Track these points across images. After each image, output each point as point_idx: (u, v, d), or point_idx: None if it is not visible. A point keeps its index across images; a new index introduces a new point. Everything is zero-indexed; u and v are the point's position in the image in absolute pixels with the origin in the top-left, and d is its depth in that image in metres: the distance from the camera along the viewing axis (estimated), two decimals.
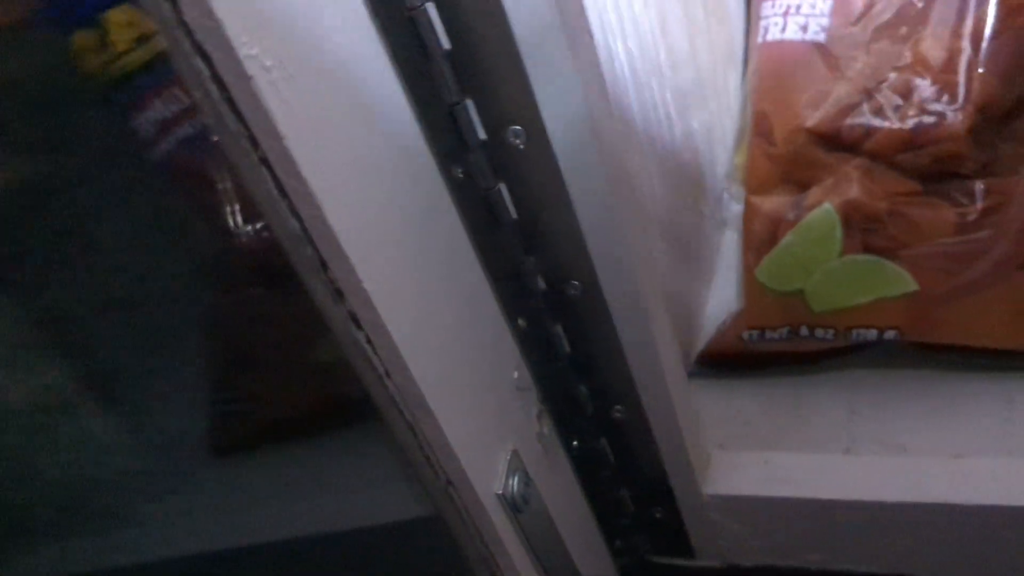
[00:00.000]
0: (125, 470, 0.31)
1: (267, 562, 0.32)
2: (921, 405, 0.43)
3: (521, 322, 0.34)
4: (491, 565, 0.31)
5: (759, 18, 0.46)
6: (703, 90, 0.50)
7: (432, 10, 0.27)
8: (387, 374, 0.26)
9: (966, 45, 0.40)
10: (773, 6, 0.46)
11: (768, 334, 0.45)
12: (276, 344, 0.30)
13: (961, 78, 0.40)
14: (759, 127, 0.45)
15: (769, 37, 0.45)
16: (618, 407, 0.37)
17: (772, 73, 0.45)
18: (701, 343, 0.49)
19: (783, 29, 0.45)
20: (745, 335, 0.46)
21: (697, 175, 0.50)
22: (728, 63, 0.56)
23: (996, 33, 0.40)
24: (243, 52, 0.20)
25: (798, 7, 0.45)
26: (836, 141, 0.43)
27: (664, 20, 0.43)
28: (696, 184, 0.50)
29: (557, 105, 0.28)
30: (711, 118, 0.52)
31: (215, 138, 0.22)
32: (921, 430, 0.42)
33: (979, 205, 0.41)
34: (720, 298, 0.52)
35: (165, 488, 0.32)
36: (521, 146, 0.30)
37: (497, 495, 0.31)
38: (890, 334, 0.43)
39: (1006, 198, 0.40)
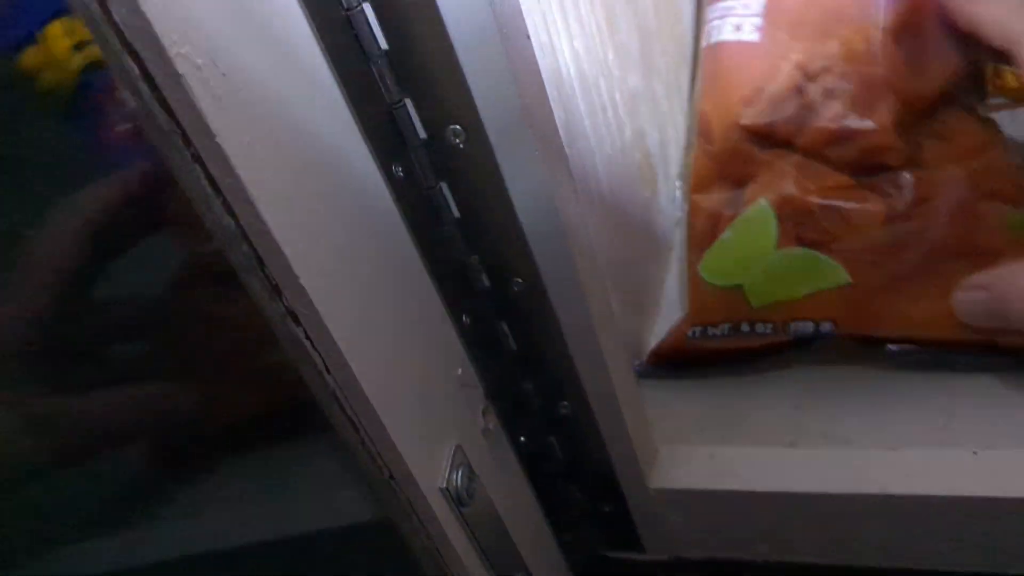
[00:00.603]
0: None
1: (211, 572, 0.32)
2: (864, 400, 0.44)
3: (465, 319, 0.34)
4: (436, 558, 0.32)
5: (704, 23, 0.47)
6: (654, 91, 0.51)
7: (369, 10, 0.27)
8: (327, 370, 0.27)
9: (885, 37, 0.41)
10: (714, 10, 0.47)
11: (710, 330, 0.46)
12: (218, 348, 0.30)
13: (882, 70, 0.41)
14: (701, 127, 0.46)
15: (711, 40, 0.46)
16: (564, 403, 0.38)
17: (712, 74, 0.46)
18: (653, 343, 0.49)
19: (721, 31, 0.46)
20: (689, 332, 0.46)
21: (649, 174, 0.51)
22: (681, 65, 0.56)
23: (910, 24, 0.41)
24: (173, 50, 0.21)
25: (732, 8, 0.45)
26: (770, 138, 0.44)
27: (612, 20, 0.43)
28: (648, 183, 0.50)
29: (495, 105, 0.29)
30: (664, 119, 0.53)
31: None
32: (864, 424, 0.42)
33: (907, 197, 0.42)
34: (674, 299, 0.53)
35: (105, 498, 0.31)
36: (461, 145, 0.30)
37: (440, 489, 0.31)
38: (826, 327, 0.43)
39: (933, 190, 0.41)
